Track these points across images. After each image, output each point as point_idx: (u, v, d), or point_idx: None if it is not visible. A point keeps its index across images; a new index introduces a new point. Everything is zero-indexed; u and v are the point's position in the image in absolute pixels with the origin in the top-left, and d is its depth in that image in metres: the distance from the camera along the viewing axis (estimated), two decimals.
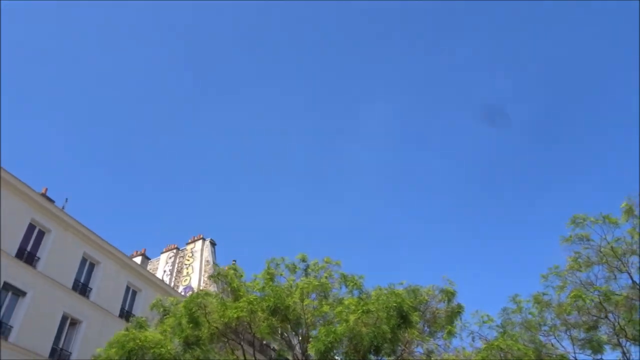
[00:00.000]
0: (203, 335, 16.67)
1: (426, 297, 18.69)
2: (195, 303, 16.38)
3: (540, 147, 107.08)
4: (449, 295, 18.49)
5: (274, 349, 28.66)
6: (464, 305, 19.00)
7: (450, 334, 17.85)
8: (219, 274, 18.73)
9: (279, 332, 20.03)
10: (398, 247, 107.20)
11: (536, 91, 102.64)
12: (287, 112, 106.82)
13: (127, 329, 17.16)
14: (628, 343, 17.52)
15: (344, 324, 15.29)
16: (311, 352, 15.62)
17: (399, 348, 17.64)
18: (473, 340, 18.75)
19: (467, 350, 24.61)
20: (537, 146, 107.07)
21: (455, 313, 18.95)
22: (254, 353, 19.08)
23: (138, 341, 15.88)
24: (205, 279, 31.71)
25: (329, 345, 14.82)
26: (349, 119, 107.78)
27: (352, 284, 19.21)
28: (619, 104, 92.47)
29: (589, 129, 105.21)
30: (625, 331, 16.78)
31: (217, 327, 16.74)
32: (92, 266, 27.27)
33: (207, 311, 16.51)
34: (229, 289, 18.93)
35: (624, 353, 17.72)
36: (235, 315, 16.12)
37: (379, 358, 17.41)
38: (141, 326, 17.40)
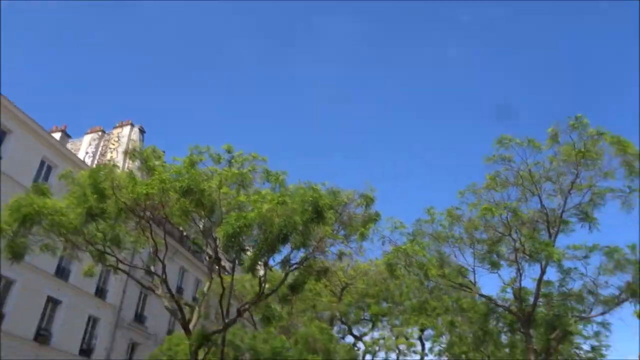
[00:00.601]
0: (109, 209, 15.91)
1: (345, 200, 18.63)
2: (104, 173, 15.44)
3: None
4: (368, 200, 18.47)
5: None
6: (381, 213, 19.24)
7: (363, 236, 18.07)
8: (135, 150, 17.66)
9: (194, 219, 19.65)
10: (341, 165, 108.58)
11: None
12: (237, 16, 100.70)
13: (26, 194, 16.07)
14: (524, 261, 18.61)
15: (257, 212, 15.02)
16: (219, 235, 15.33)
17: (312, 244, 17.82)
18: (383, 244, 19.21)
19: (379, 260, 25.49)
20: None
21: (372, 220, 19.14)
22: (164, 236, 18.62)
23: (35, 206, 14.91)
24: (129, 163, 30.49)
25: (238, 229, 14.53)
26: (303, 30, 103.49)
27: (274, 179, 18.79)
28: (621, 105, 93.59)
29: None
30: (524, 247, 17.70)
31: (125, 203, 15.98)
32: (3, 134, 25.30)
33: (114, 184, 15.64)
34: (145, 168, 18.02)
35: (518, 270, 18.88)
36: (144, 192, 15.37)
37: (290, 250, 17.53)
38: (42, 193, 16.31)
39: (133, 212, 16.87)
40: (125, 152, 17.81)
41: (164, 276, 18.53)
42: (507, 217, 17.75)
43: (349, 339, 33.62)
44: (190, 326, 18.26)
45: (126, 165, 32.26)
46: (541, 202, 18.00)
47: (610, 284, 19.32)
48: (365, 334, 33.53)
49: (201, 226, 20.82)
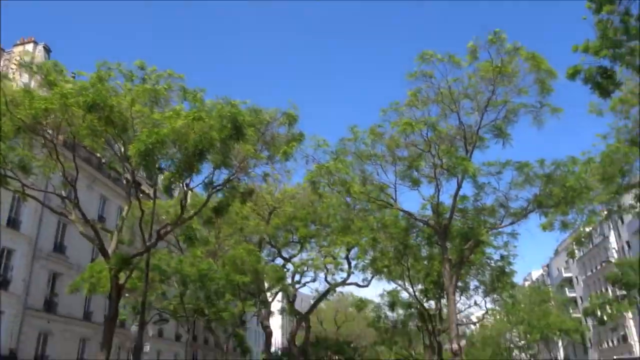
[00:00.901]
0: (5, 127, 14.44)
1: (268, 119, 18.10)
2: None
3: None
4: (291, 119, 18.01)
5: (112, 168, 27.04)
6: (305, 133, 18.93)
7: (286, 155, 17.77)
8: (32, 62, 15.88)
9: (109, 142, 18.43)
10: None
11: None
12: None
13: None
14: (442, 177, 19.27)
15: (170, 127, 14.22)
16: (131, 153, 14.47)
17: (233, 163, 17.35)
18: (307, 163, 19.10)
19: (305, 184, 25.53)
20: None
21: (296, 139, 18.82)
22: (74, 158, 17.35)
23: None
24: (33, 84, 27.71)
25: (151, 146, 13.74)
26: None
27: (192, 97, 17.78)
28: None
29: None
30: (442, 162, 18.26)
31: (22, 120, 14.53)
32: None
33: (8, 100, 14.10)
34: (46, 84, 16.36)
35: (437, 185, 19.61)
36: (42, 107, 14.01)
37: (211, 170, 17.00)
38: None
39: (34, 131, 15.46)
40: (20, 65, 15.93)
41: (76, 200, 17.53)
42: (426, 133, 18.06)
43: (279, 261, 34.31)
44: (110, 251, 17.62)
45: (32, 85, 29.42)
46: (459, 119, 18.40)
47: (520, 197, 20.60)
48: (294, 256, 34.24)
49: (119, 152, 19.69)
